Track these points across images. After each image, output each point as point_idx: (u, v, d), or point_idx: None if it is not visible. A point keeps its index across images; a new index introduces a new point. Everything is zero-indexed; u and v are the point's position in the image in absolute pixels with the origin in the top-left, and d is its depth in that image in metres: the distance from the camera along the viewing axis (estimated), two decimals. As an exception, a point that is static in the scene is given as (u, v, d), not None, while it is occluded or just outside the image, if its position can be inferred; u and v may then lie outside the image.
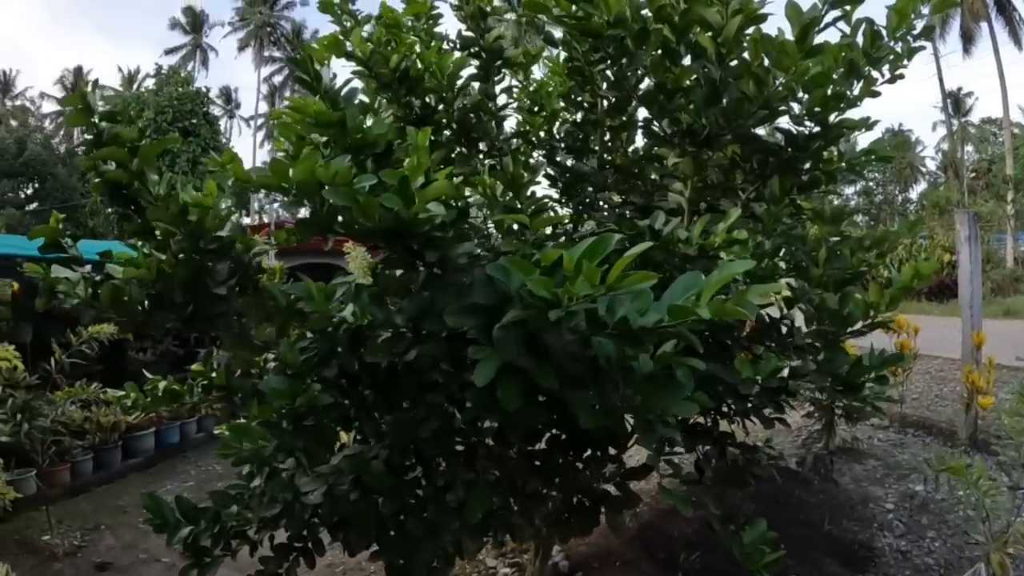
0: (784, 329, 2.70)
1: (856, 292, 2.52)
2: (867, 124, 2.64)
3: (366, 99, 2.97)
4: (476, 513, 2.22)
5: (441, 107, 2.89)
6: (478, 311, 1.60)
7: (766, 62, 2.32)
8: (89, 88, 2.44)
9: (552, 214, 2.66)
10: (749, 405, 2.65)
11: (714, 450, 2.84)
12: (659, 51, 2.46)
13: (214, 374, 2.91)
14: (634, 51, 2.42)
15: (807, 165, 2.72)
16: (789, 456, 6.38)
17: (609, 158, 2.98)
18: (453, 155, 3.00)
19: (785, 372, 2.60)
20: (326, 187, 1.69)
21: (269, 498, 2.32)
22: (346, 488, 2.28)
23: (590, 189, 3.02)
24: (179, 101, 29.30)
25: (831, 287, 2.59)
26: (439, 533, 2.43)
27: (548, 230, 2.79)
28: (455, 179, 2.56)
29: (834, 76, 2.37)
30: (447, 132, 3.01)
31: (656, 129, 2.71)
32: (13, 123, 38.33)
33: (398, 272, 2.06)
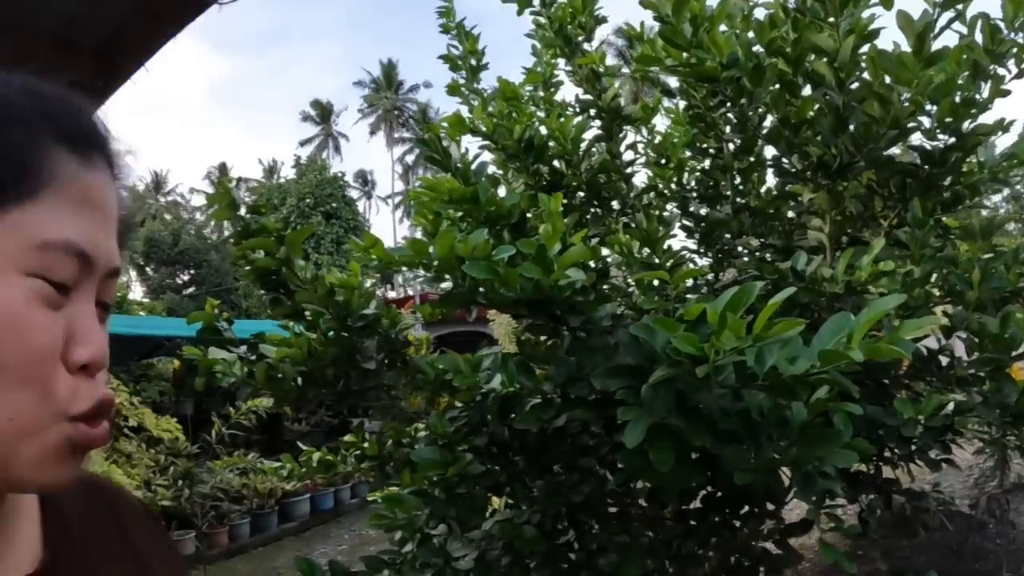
0: (944, 361, 2.52)
1: (1017, 311, 2.31)
2: (1002, 127, 2.45)
3: (496, 170, 3.05)
4: (629, 579, 2.16)
5: (569, 171, 2.91)
6: (625, 372, 1.57)
7: (887, 79, 2.20)
8: (232, 183, 2.59)
9: (691, 267, 2.62)
10: (913, 448, 2.48)
11: (878, 499, 2.65)
12: (777, 85, 2.39)
13: (366, 444, 2.99)
14: (752, 90, 2.36)
15: (947, 181, 2.56)
16: (960, 498, 5.91)
17: (743, 202, 2.91)
18: (586, 217, 3.02)
19: (950, 408, 2.44)
20: (466, 262, 1.73)
21: (421, 563, 2.34)
22: (497, 553, 2.28)
23: (727, 236, 2.95)
24: (319, 187, 30.94)
25: (989, 309, 2.40)
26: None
27: (689, 282, 2.74)
28: (590, 241, 2.59)
29: (959, 81, 2.22)
30: (579, 194, 3.02)
31: (786, 165, 2.63)
32: (168, 217, 41.76)
33: (542, 338, 2.08)
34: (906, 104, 2.21)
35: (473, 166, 2.30)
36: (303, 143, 53.42)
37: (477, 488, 2.14)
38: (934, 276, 2.52)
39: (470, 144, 2.88)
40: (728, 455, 1.62)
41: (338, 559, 2.72)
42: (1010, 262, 2.45)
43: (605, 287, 2.03)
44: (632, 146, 3.04)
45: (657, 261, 2.22)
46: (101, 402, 0.56)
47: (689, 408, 1.56)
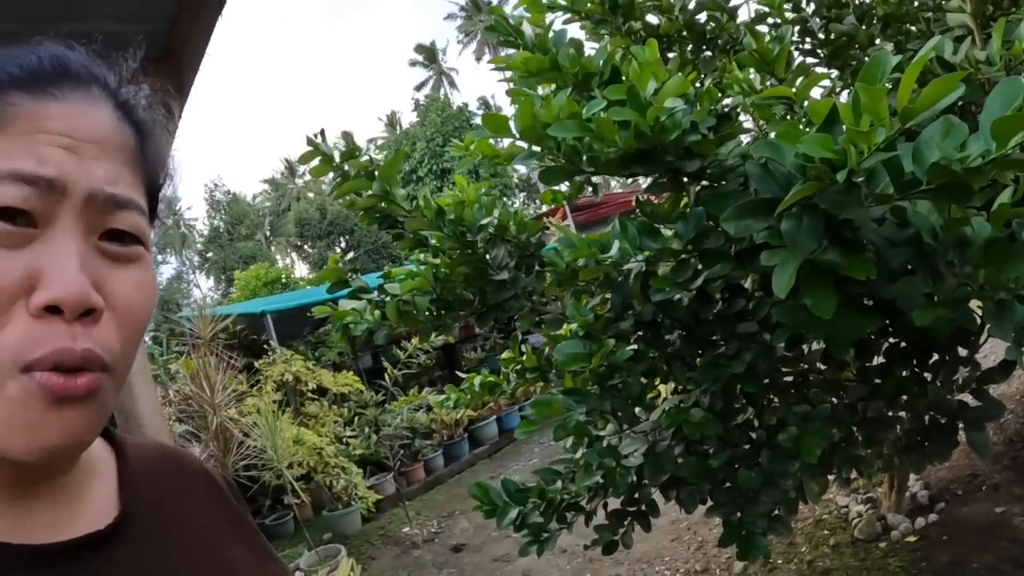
0: None
1: None
2: None
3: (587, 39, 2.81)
4: (813, 451, 1.97)
5: (664, 19, 2.63)
6: (759, 208, 1.32)
7: None
8: (319, 138, 2.56)
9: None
10: None
11: None
12: None
13: (524, 357, 2.95)
14: None
15: None
16: None
17: (869, 4, 2.53)
18: (696, 64, 2.72)
19: None
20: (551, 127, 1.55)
21: (589, 467, 2.25)
22: (667, 444, 2.14)
23: (856, 50, 2.59)
24: (444, 124, 31.18)
25: None
26: (776, 480, 2.21)
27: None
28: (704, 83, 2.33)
29: None
30: (683, 44, 2.73)
31: None
32: (310, 195, 43.68)
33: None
34: None
35: (550, 36, 2.08)
36: (418, 88, 53.52)
37: (630, 377, 1.99)
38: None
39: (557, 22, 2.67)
40: (902, 290, 1.37)
41: (532, 475, 2.72)
42: None
43: (728, 132, 1.75)
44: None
45: (780, 82, 1.92)
46: (62, 352, 0.50)
47: (844, 239, 1.31)
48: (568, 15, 2.62)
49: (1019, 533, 3.39)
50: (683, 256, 1.76)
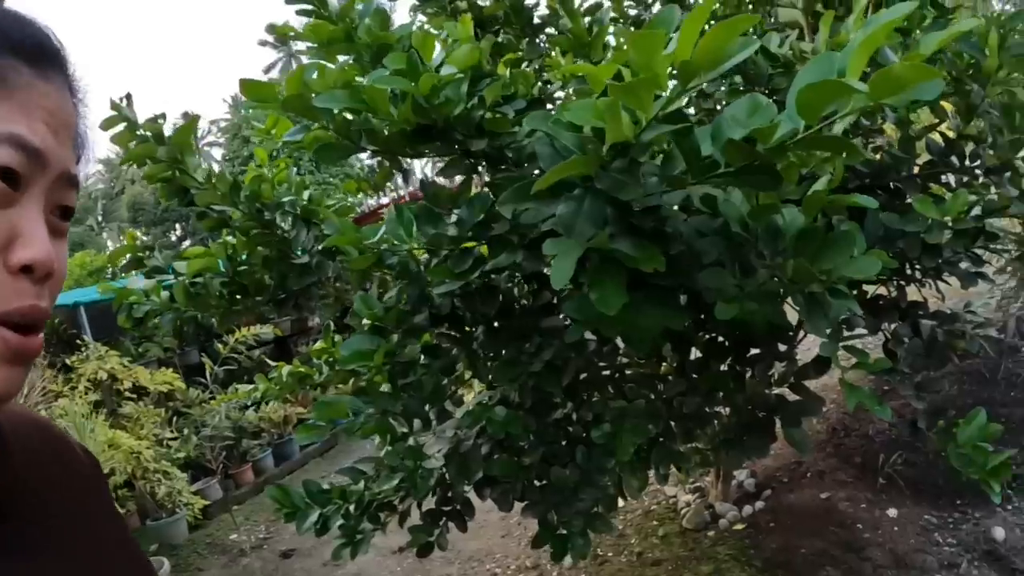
0: (968, 150, 2.12)
1: None
2: None
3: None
4: (627, 448, 1.86)
5: (490, 2, 2.46)
6: (541, 191, 1.08)
7: None
8: (125, 102, 2.29)
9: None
10: (940, 260, 2.12)
11: (904, 326, 2.29)
12: None
13: (336, 348, 2.72)
14: None
15: None
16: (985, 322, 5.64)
17: None
18: (519, 49, 2.57)
19: (977, 210, 2.07)
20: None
21: (391, 468, 2.06)
22: (472, 443, 1.99)
23: None
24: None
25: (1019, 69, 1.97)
26: (593, 477, 2.11)
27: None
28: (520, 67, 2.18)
29: None
30: (514, 28, 2.55)
31: None
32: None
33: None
34: None
35: (357, 7, 1.85)
36: (267, 70, 51.57)
37: (425, 374, 1.81)
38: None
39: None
40: (706, 282, 1.24)
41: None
42: None
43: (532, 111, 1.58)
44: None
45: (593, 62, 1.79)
46: (33, 308, 0.55)
47: (638, 228, 1.15)
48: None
49: (846, 518, 3.53)
50: (465, 244, 1.57)
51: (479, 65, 1.50)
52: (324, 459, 8.29)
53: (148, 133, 2.21)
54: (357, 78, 1.42)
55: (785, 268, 1.16)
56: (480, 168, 1.67)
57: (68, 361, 7.00)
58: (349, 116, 1.44)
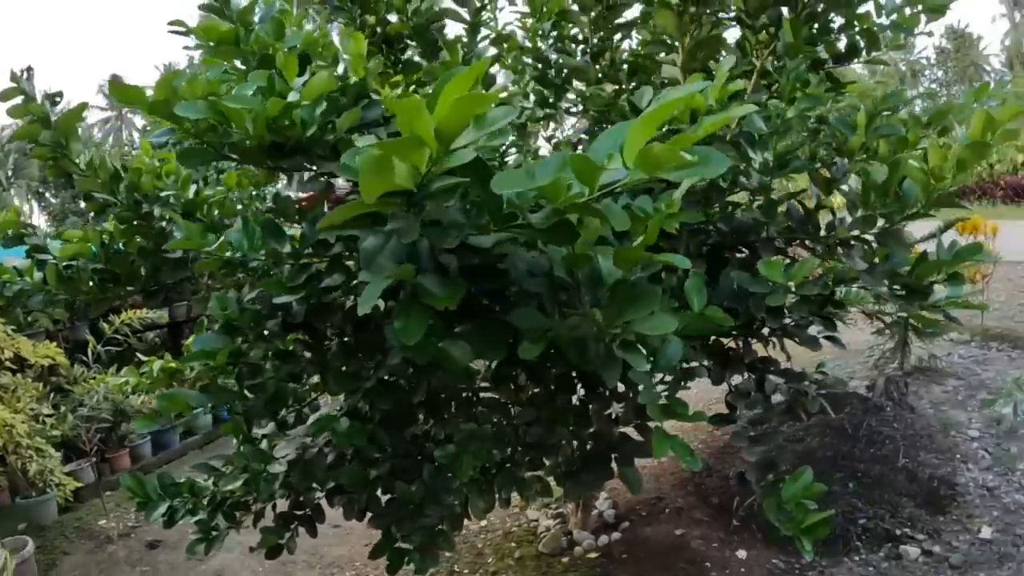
0: (824, 221, 2.25)
1: (909, 159, 1.99)
2: None
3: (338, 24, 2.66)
4: (467, 470, 1.92)
5: (398, 19, 2.50)
6: (365, 217, 1.14)
7: None
8: (24, 77, 2.25)
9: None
10: (788, 322, 2.24)
11: (748, 382, 2.41)
12: None
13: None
14: None
15: (839, 22, 2.28)
16: (861, 378, 5.96)
17: (601, 46, 2.56)
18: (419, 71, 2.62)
19: (830, 277, 2.19)
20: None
21: (237, 468, 2.07)
22: (316, 451, 2.01)
23: (582, 86, 2.62)
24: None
25: (877, 155, 2.11)
26: (439, 494, 2.15)
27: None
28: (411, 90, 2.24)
29: None
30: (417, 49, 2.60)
31: None
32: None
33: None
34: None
35: (258, 11, 1.88)
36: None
37: (270, 378, 1.83)
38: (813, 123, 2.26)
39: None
40: (515, 319, 1.30)
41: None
42: (910, 123, 2.12)
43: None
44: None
45: None
46: None
47: (447, 267, 1.20)
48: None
49: (696, 556, 3.66)
50: (303, 260, 1.61)
51: (353, 83, 1.55)
52: (203, 451, 8.07)
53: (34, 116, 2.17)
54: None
55: (593, 316, 1.22)
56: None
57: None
58: (208, 123, 1.46)
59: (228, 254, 1.56)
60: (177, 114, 1.34)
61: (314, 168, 1.55)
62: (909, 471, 4.09)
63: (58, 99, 2.29)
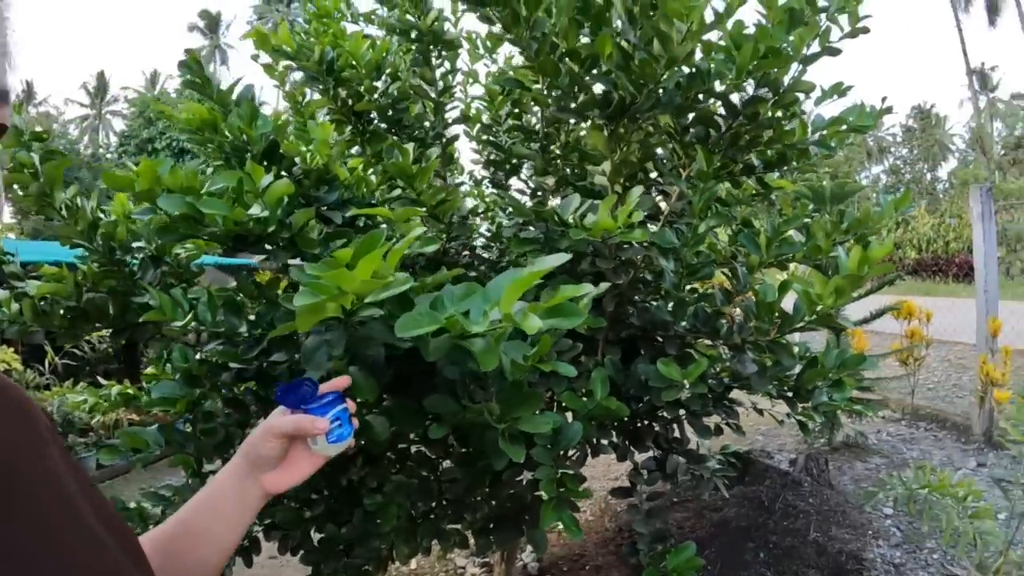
0: (726, 325, 2.52)
1: (799, 282, 2.17)
2: (839, 90, 2.37)
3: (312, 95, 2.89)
4: (391, 520, 2.15)
5: (366, 96, 2.71)
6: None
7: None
8: (22, 93, 2.43)
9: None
10: (681, 413, 2.46)
11: (649, 460, 2.66)
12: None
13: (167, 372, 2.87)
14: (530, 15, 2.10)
15: (767, 135, 2.48)
16: (789, 451, 6.23)
17: (552, 141, 2.79)
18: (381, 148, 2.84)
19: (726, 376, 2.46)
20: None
21: (185, 500, 2.27)
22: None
23: (533, 174, 2.87)
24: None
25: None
26: (367, 538, 2.37)
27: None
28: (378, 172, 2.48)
29: (768, 27, 2.09)
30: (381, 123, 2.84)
31: (565, 104, 2.39)
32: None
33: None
34: (685, 42, 2.04)
35: (236, 91, 2.14)
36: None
37: (222, 425, 2.06)
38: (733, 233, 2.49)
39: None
40: (428, 405, 1.57)
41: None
42: (831, 229, 2.33)
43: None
44: (450, 73, 2.86)
45: (416, 196, 2.10)
46: None
47: (375, 360, 1.48)
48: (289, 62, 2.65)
49: (605, 614, 3.87)
50: (254, 336, 1.86)
51: (316, 168, 1.78)
52: (148, 471, 8.09)
53: (18, 157, 2.31)
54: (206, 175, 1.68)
55: (491, 409, 1.50)
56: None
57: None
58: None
59: (193, 324, 1.80)
60: (159, 205, 1.57)
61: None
62: (819, 544, 4.30)
63: (46, 137, 2.46)
